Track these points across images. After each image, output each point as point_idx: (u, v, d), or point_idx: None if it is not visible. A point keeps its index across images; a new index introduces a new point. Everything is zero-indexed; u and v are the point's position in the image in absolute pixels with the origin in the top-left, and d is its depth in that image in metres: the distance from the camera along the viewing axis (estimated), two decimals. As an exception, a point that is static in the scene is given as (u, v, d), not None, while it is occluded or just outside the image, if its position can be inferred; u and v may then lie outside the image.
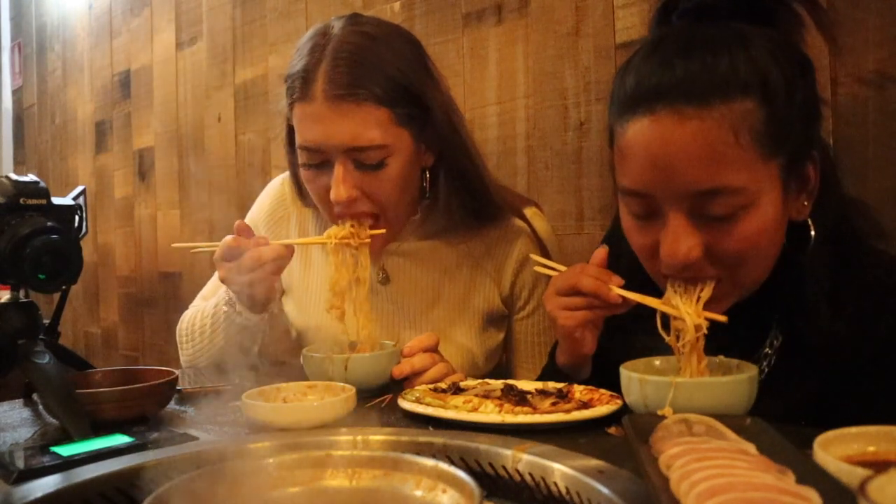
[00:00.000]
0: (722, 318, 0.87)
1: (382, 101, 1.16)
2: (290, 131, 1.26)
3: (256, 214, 1.44)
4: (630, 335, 0.97)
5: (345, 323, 1.20)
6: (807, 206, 0.91)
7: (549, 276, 1.06)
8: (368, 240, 1.21)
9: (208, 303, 1.33)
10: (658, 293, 0.93)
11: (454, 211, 1.29)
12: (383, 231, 1.22)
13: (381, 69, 1.16)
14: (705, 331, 0.87)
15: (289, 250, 1.17)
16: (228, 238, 1.16)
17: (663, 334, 0.90)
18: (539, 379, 1.14)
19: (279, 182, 1.45)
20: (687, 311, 0.88)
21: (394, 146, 1.18)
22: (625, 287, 0.95)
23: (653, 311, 0.92)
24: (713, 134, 0.82)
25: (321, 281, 1.37)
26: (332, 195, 1.18)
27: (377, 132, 1.16)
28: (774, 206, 0.86)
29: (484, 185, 1.29)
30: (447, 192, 1.27)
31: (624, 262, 1.00)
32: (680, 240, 0.86)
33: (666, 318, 0.91)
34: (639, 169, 0.87)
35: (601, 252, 0.99)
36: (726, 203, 0.83)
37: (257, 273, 1.14)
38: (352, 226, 1.21)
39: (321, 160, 1.19)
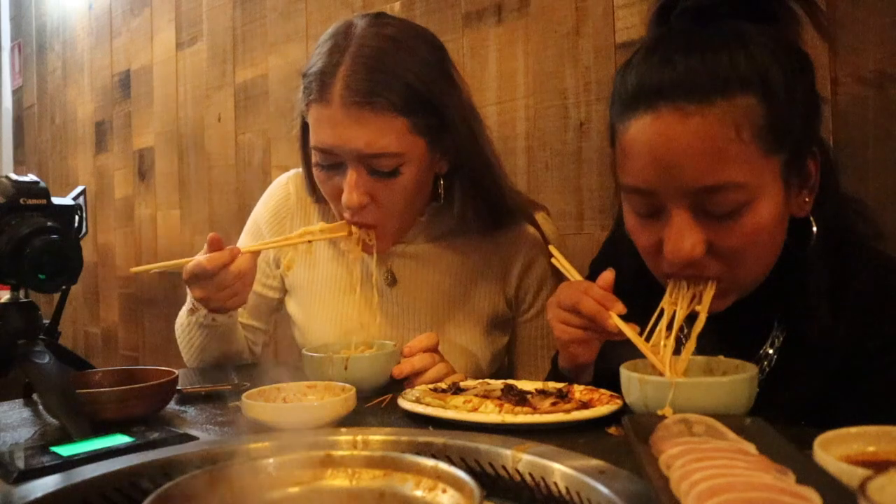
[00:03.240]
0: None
1: (400, 110, 1.14)
2: (305, 127, 1.25)
3: (261, 213, 1.44)
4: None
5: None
6: (808, 203, 0.91)
7: (557, 279, 1.06)
8: (350, 233, 1.22)
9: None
10: (661, 295, 0.93)
11: (468, 217, 1.28)
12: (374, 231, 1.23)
13: (400, 76, 1.14)
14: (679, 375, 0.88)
15: (257, 252, 1.19)
16: (201, 258, 1.14)
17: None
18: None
19: (285, 180, 1.45)
20: (666, 362, 0.88)
21: (408, 155, 1.17)
22: (627, 290, 0.95)
23: (653, 309, 0.92)
24: (715, 130, 0.82)
25: (325, 280, 1.37)
26: (344, 200, 1.17)
27: (392, 141, 1.14)
28: (776, 201, 0.86)
29: (500, 191, 1.28)
30: (462, 198, 1.26)
31: (626, 265, 1.00)
32: (683, 237, 0.86)
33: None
34: (641, 166, 0.87)
35: (608, 276, 0.97)
36: (729, 199, 0.84)
37: (237, 286, 1.16)
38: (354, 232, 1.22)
39: (334, 162, 1.19)
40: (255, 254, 1.18)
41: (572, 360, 1.02)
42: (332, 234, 1.22)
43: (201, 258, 1.14)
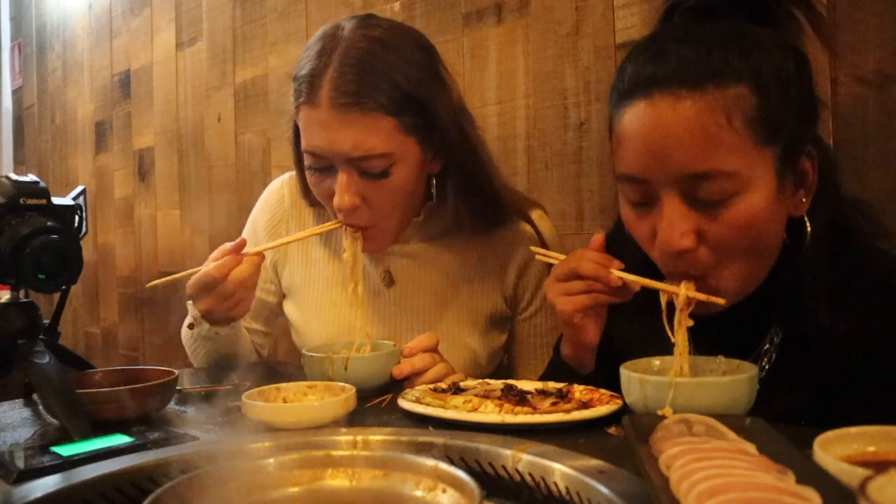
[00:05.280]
0: (720, 301, 0.87)
1: (388, 110, 1.14)
2: (297, 131, 1.25)
3: (257, 218, 1.44)
4: (632, 328, 0.98)
5: (360, 309, 1.21)
6: (805, 203, 0.91)
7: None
8: (358, 233, 1.22)
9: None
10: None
11: (462, 216, 1.28)
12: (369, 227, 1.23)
13: (389, 77, 1.14)
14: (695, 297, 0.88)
15: (261, 256, 1.19)
16: (208, 268, 1.15)
17: (667, 329, 0.91)
18: (544, 373, 1.14)
19: (279, 184, 1.45)
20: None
21: (399, 155, 1.17)
22: None
23: (654, 305, 0.92)
24: (706, 116, 0.83)
25: (322, 281, 1.37)
26: (335, 203, 1.17)
27: (382, 141, 1.14)
28: (768, 195, 0.86)
29: (493, 190, 1.28)
30: (455, 197, 1.26)
31: (627, 258, 1.00)
32: (674, 225, 0.87)
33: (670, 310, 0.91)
34: (634, 153, 0.88)
35: (598, 237, 0.99)
36: (719, 187, 0.84)
37: (239, 293, 1.15)
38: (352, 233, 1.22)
39: (326, 165, 1.18)
40: (257, 259, 1.17)
41: (577, 338, 1.01)
42: (324, 228, 1.24)
43: (208, 268, 1.14)
